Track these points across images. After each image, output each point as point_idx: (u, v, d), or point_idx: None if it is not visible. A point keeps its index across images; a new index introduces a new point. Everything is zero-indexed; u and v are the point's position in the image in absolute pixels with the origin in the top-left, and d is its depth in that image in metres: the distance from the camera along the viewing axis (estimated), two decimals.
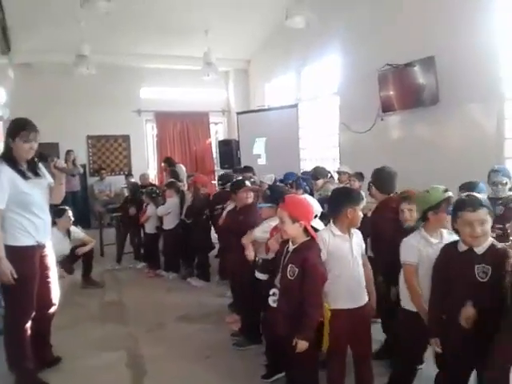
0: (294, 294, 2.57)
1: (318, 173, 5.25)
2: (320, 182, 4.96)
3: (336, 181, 5.73)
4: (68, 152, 9.22)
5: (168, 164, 8.47)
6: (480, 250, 2.27)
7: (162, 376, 3.39)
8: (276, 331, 2.68)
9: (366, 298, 2.76)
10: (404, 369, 2.87)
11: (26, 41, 8.07)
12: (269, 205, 3.39)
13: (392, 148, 6.13)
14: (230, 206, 4.55)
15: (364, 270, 2.78)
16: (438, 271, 2.47)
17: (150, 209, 6.19)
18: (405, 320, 2.75)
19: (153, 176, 10.73)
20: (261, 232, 3.41)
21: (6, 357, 3.15)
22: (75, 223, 5.52)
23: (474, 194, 2.37)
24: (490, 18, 4.69)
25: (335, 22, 7.12)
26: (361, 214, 2.72)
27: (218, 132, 12.01)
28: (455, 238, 2.49)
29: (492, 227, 2.35)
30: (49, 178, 3.24)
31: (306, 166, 8.17)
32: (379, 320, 4.06)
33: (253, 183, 5.21)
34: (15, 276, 2.91)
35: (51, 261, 3.33)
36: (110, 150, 10.61)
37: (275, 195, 3.30)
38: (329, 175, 5.87)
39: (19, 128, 3.03)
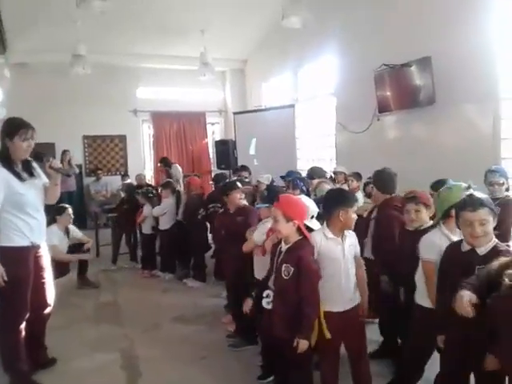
0: (290, 293, 2.56)
1: (315, 173, 5.24)
2: (315, 181, 4.95)
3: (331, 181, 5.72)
4: (64, 152, 9.19)
5: (164, 164, 8.46)
6: (482, 250, 2.25)
7: (157, 377, 3.38)
8: (272, 333, 2.67)
9: (358, 300, 2.75)
10: (412, 368, 2.85)
11: (22, 41, 8.06)
12: (266, 205, 3.38)
13: (388, 148, 6.12)
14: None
15: (358, 271, 2.77)
16: (442, 269, 2.47)
17: (147, 209, 6.16)
18: (421, 317, 2.72)
19: (149, 176, 10.70)
20: (259, 235, 3.39)
21: (0, 358, 3.14)
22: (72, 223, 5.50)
23: (476, 193, 2.35)
24: (486, 18, 4.68)
25: (331, 23, 7.11)
26: (354, 216, 2.71)
27: (214, 132, 12.00)
28: None
29: None
30: (44, 179, 3.22)
31: (303, 166, 8.17)
32: (376, 320, 4.09)
33: (248, 183, 5.21)
34: (5, 278, 2.89)
35: (46, 261, 3.31)
36: (107, 150, 10.58)
37: (272, 195, 3.29)
38: (327, 175, 5.87)
39: (18, 126, 3.00)
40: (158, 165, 9.13)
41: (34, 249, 3.15)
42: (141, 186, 7.36)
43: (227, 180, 5.50)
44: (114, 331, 4.21)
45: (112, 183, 10.04)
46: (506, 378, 2.09)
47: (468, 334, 2.22)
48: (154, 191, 6.49)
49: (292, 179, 4.79)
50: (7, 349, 3.11)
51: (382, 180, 3.56)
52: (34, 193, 3.11)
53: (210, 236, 5.69)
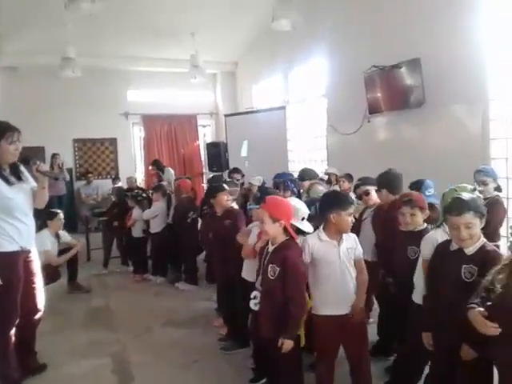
0: (276, 294, 2.57)
1: (306, 174, 5.25)
2: (306, 183, 4.96)
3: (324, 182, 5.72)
4: (54, 155, 9.10)
5: (156, 167, 8.42)
6: (470, 250, 2.27)
7: (149, 382, 3.36)
8: (259, 334, 2.68)
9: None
10: (411, 368, 2.86)
11: (12, 43, 8.00)
12: (258, 206, 3.38)
13: (379, 149, 6.14)
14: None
15: (359, 275, 2.76)
16: (431, 268, 2.49)
17: (136, 212, 6.13)
18: (417, 315, 2.72)
19: (140, 179, 10.66)
20: (254, 239, 3.38)
21: None
22: (63, 227, 5.45)
23: (463, 196, 2.36)
24: (475, 20, 4.71)
25: (321, 25, 7.13)
26: (349, 219, 2.71)
27: (206, 134, 11.98)
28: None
29: None
30: (32, 183, 3.19)
31: (295, 167, 8.18)
32: (370, 321, 4.10)
33: (236, 185, 5.18)
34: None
35: (36, 266, 3.29)
36: (97, 154, 10.52)
37: (265, 197, 3.28)
38: (319, 177, 5.88)
39: (4, 130, 2.98)
40: (150, 168, 9.08)
41: (23, 253, 3.12)
42: (131, 189, 7.33)
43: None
44: (105, 336, 4.18)
45: (103, 187, 9.99)
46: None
47: (455, 335, 2.23)
48: (144, 194, 6.45)
49: (283, 181, 4.79)
50: None
51: (390, 181, 3.59)
52: (22, 197, 3.08)
53: None
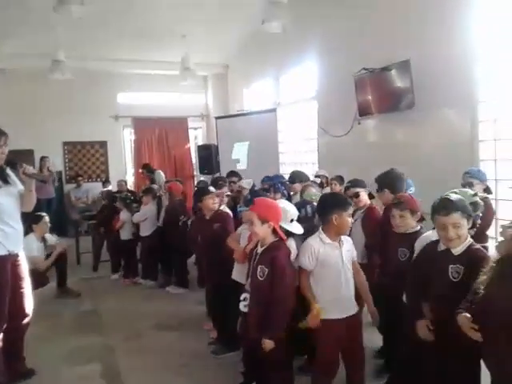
0: (265, 295, 2.58)
1: (296, 176, 5.25)
2: (297, 185, 4.96)
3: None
4: (42, 158, 9.04)
5: (147, 171, 8.37)
6: (457, 250, 2.28)
7: None
8: (248, 334, 2.67)
9: (357, 308, 2.76)
10: (406, 368, 2.84)
11: (0, 46, 7.92)
12: (246, 208, 3.37)
13: (369, 151, 6.16)
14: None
15: (357, 277, 2.77)
16: (417, 267, 2.49)
17: (124, 215, 6.09)
18: (406, 316, 2.69)
19: (131, 182, 10.61)
20: (244, 242, 3.38)
21: None
22: (51, 231, 5.40)
23: (450, 196, 2.37)
24: (464, 22, 4.74)
25: (312, 28, 7.16)
26: (349, 220, 2.73)
27: (197, 137, 11.96)
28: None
29: None
30: (19, 186, 3.16)
31: (286, 170, 8.17)
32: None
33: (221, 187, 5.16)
34: None
35: (24, 270, 3.25)
36: (87, 157, 10.47)
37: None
38: (316, 179, 5.88)
39: None
40: (140, 171, 9.04)
41: (11, 257, 3.09)
42: (121, 191, 7.28)
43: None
44: (94, 340, 4.14)
45: (93, 190, 9.94)
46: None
47: (442, 335, 2.25)
48: (133, 197, 6.41)
49: (273, 183, 4.78)
50: None
51: (392, 180, 3.59)
52: (9, 200, 3.05)
53: None
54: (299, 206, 3.22)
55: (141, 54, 9.25)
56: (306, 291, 2.67)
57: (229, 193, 5.04)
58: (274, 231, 2.66)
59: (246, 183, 5.58)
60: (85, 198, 9.93)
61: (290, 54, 7.92)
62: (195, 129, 11.84)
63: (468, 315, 1.96)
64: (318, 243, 2.65)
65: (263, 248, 2.69)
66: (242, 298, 2.75)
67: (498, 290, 1.91)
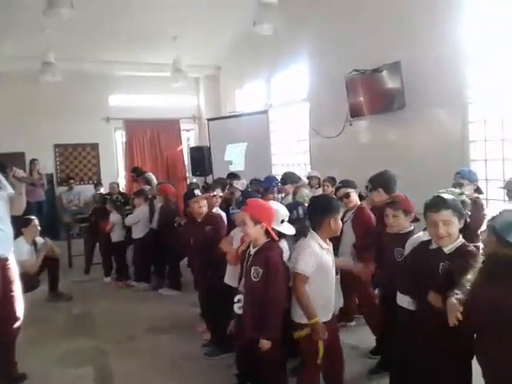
0: (260, 295, 2.57)
1: (288, 178, 5.26)
2: (288, 186, 4.97)
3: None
4: (32, 161, 8.97)
5: (136, 174, 8.32)
6: (449, 249, 2.29)
7: None
8: (244, 336, 2.67)
9: (333, 308, 2.79)
10: (402, 369, 2.84)
11: None
12: (239, 211, 3.38)
13: (361, 152, 6.19)
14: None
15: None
16: (408, 265, 2.49)
17: (114, 217, 6.05)
18: (402, 318, 2.72)
19: (123, 185, 10.56)
20: (237, 244, 3.37)
21: None
22: (41, 234, 5.36)
23: (442, 194, 2.39)
24: (454, 24, 4.78)
25: (303, 30, 7.18)
26: (340, 222, 2.75)
27: (189, 139, 11.94)
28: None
29: None
30: (9, 189, 3.14)
31: (278, 171, 8.19)
32: (352, 323, 4.13)
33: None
34: None
35: (14, 274, 3.23)
36: (79, 159, 10.41)
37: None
38: (305, 181, 5.90)
39: None
40: (131, 174, 8.99)
41: (1, 261, 3.07)
42: (113, 194, 7.24)
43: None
44: (86, 344, 4.11)
45: (85, 192, 9.87)
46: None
47: (430, 334, 2.26)
48: (123, 199, 6.38)
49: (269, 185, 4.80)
50: None
51: (386, 180, 3.62)
52: None
53: None
54: (291, 208, 3.23)
55: (132, 56, 9.24)
56: (304, 300, 2.55)
57: (221, 194, 5.04)
58: (267, 232, 2.67)
59: (240, 184, 5.58)
60: (76, 200, 9.87)
61: (281, 55, 7.94)
62: (187, 130, 11.82)
63: (457, 299, 1.95)
64: (319, 249, 2.63)
65: (256, 249, 2.69)
66: (235, 299, 2.74)
67: (482, 289, 1.93)
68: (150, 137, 10.98)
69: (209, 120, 9.79)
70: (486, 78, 4.66)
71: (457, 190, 2.75)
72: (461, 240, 2.32)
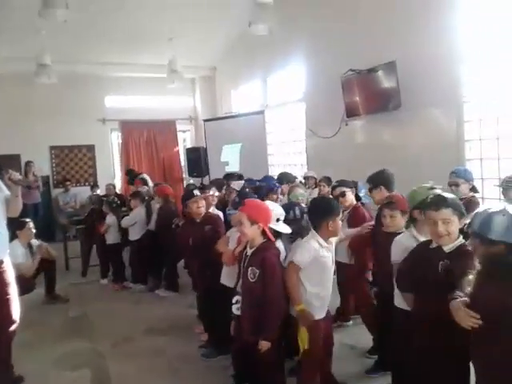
0: (257, 296, 2.57)
1: (284, 178, 5.27)
2: (284, 187, 4.97)
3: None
4: (28, 163, 8.93)
5: (130, 176, 8.28)
6: (449, 248, 2.28)
7: None
8: (242, 337, 2.67)
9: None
10: (399, 370, 2.86)
11: None
12: (236, 211, 3.37)
13: (357, 152, 6.20)
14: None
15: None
16: (407, 266, 2.47)
17: (109, 219, 6.04)
18: (399, 319, 2.73)
19: (119, 186, 10.53)
20: (233, 245, 3.37)
21: None
22: (38, 236, 5.34)
23: (443, 193, 2.39)
24: (449, 23, 4.80)
25: (298, 30, 7.19)
26: (340, 223, 2.80)
27: (185, 140, 11.93)
28: None
29: None
30: (5, 191, 3.12)
31: (275, 171, 8.19)
32: (349, 323, 4.13)
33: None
34: None
35: (10, 276, 3.21)
36: (75, 161, 10.37)
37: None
38: (297, 180, 5.89)
39: None
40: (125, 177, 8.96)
41: None
42: (109, 195, 7.22)
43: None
44: (83, 346, 4.10)
45: (81, 194, 9.84)
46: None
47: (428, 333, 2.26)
48: (119, 201, 6.36)
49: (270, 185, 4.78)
50: None
51: (386, 179, 3.65)
52: None
53: None
54: (287, 208, 3.23)
55: (128, 57, 9.22)
56: (293, 288, 2.66)
57: (217, 193, 5.04)
58: (263, 232, 2.67)
59: (237, 185, 5.56)
60: (73, 202, 9.84)
61: (277, 55, 7.94)
62: (183, 131, 11.80)
63: (462, 301, 1.96)
64: (318, 246, 2.70)
65: (253, 249, 2.69)
66: (234, 300, 2.74)
67: (479, 291, 1.93)
68: (146, 138, 10.96)
69: (205, 121, 9.79)
70: (481, 77, 4.68)
71: (427, 185, 2.74)
72: (461, 240, 2.31)
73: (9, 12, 6.77)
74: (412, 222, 2.75)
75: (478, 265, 2.00)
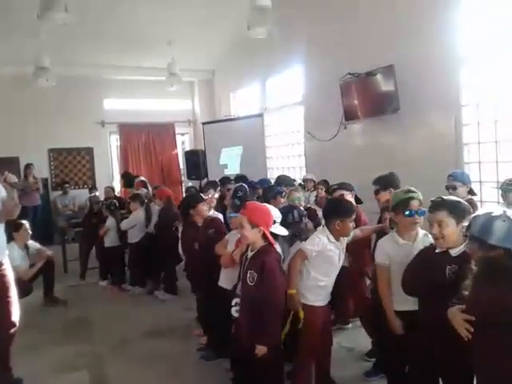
0: (255, 300, 2.56)
1: (282, 181, 5.27)
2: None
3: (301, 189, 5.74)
4: (28, 166, 8.91)
5: (125, 180, 8.26)
6: (455, 252, 2.27)
7: None
8: (240, 341, 2.67)
9: (329, 297, 2.99)
10: (396, 372, 2.87)
11: None
12: (237, 214, 3.36)
13: (356, 155, 6.21)
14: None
15: None
16: (414, 270, 2.46)
17: (109, 221, 6.04)
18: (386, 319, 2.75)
19: (118, 189, 10.52)
20: (232, 247, 3.37)
21: None
22: (35, 239, 5.33)
23: (444, 196, 2.39)
24: (447, 27, 4.81)
25: (297, 34, 7.21)
26: (351, 225, 2.87)
27: (184, 143, 11.95)
28: (431, 239, 2.55)
29: None
30: (2, 192, 3.11)
31: (274, 174, 8.20)
32: (348, 326, 4.13)
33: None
34: None
35: (10, 279, 3.21)
36: (73, 163, 10.36)
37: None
38: (296, 183, 5.90)
39: None
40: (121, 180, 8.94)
41: None
42: (109, 198, 7.21)
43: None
44: (82, 349, 4.09)
45: (80, 197, 9.84)
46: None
47: (435, 343, 2.26)
48: (118, 203, 6.36)
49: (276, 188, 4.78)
50: None
51: (394, 181, 3.68)
52: None
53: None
54: (286, 211, 3.24)
55: (127, 60, 9.24)
56: (293, 271, 2.82)
57: (216, 195, 5.04)
58: (264, 235, 2.66)
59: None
60: (71, 205, 9.84)
61: (276, 59, 7.96)
62: (182, 134, 11.82)
63: (460, 307, 1.99)
64: (326, 241, 2.83)
65: (253, 253, 2.69)
66: (233, 303, 2.73)
67: (476, 294, 1.93)
68: (144, 141, 10.98)
69: (204, 124, 9.80)
70: (480, 80, 4.69)
71: (405, 188, 2.78)
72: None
73: (8, 14, 6.77)
74: (394, 224, 2.81)
75: (474, 268, 2.00)
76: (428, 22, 4.96)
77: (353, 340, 3.90)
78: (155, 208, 5.94)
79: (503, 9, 4.34)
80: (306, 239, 3.02)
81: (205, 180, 9.26)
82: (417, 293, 2.46)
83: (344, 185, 3.98)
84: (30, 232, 5.12)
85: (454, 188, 3.85)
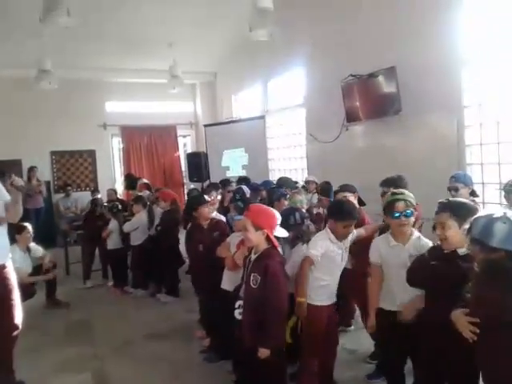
0: (258, 303, 2.56)
1: (283, 183, 5.27)
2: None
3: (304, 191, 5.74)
4: (31, 168, 8.96)
5: (127, 182, 8.25)
6: (463, 251, 2.26)
7: None
8: (243, 343, 2.66)
9: (335, 298, 3.03)
10: (391, 371, 2.89)
11: None
12: (241, 217, 3.36)
13: (358, 157, 6.20)
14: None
15: None
16: (421, 270, 2.44)
17: (111, 224, 6.04)
18: (381, 319, 2.78)
19: (120, 191, 10.53)
20: (234, 250, 3.37)
21: None
22: (38, 241, 5.34)
23: (451, 198, 2.42)
24: (449, 28, 4.81)
25: (299, 36, 7.22)
26: (344, 230, 2.90)
27: (186, 145, 11.96)
28: (425, 241, 2.62)
29: None
30: (6, 196, 3.12)
31: (276, 176, 8.19)
32: (350, 328, 4.12)
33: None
34: None
35: (13, 281, 3.21)
36: (76, 166, 10.39)
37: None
38: (299, 185, 5.90)
39: None
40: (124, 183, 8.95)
41: None
42: (112, 201, 7.22)
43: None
44: (84, 351, 4.10)
45: (82, 199, 9.84)
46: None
47: (441, 344, 2.25)
48: (120, 206, 6.36)
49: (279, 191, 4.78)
50: None
51: (403, 183, 3.69)
52: None
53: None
54: (288, 213, 3.24)
55: (129, 63, 9.26)
56: (303, 279, 2.86)
57: (219, 197, 5.04)
58: (268, 238, 2.65)
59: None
60: (74, 207, 9.85)
61: (277, 61, 7.97)
62: (184, 136, 11.84)
63: (463, 311, 2.00)
64: (329, 242, 2.90)
65: (256, 255, 2.67)
66: (236, 305, 2.73)
67: (479, 295, 1.93)
68: (146, 143, 10.99)
69: (206, 126, 9.81)
70: (482, 81, 4.68)
71: (395, 191, 2.81)
72: None
73: (10, 18, 6.80)
74: (388, 226, 2.85)
75: (476, 269, 2.00)
76: (429, 23, 4.96)
77: (355, 342, 3.89)
78: (158, 210, 5.93)
79: (505, 9, 4.33)
80: (308, 241, 3.03)
81: (207, 182, 9.28)
82: (423, 284, 2.44)
83: (347, 186, 3.99)
84: (33, 234, 5.13)
85: (456, 189, 3.84)
